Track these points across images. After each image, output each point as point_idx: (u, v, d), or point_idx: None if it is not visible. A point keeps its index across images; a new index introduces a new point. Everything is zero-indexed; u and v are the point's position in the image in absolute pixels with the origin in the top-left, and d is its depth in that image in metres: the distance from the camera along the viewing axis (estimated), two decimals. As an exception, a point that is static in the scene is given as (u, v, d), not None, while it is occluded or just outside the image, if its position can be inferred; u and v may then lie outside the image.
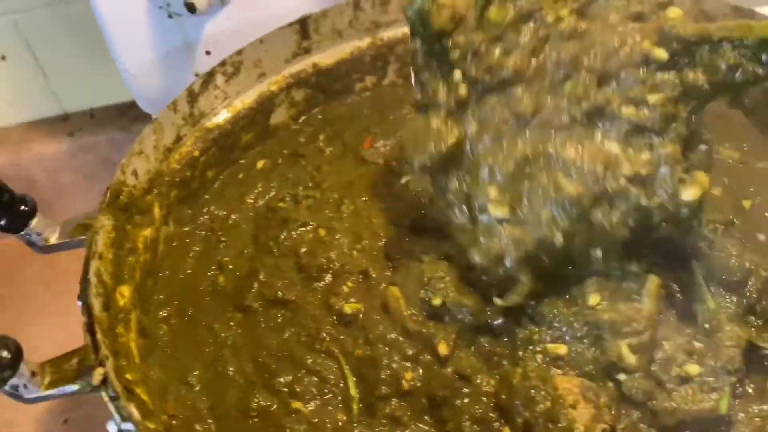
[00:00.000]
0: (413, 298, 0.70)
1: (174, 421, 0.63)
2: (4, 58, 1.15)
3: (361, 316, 0.72)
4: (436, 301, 0.68)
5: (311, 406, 0.67)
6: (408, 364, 0.67)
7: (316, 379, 0.68)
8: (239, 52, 0.89)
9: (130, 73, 0.99)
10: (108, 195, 0.72)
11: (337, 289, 0.74)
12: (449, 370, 0.65)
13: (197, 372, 0.70)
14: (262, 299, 0.75)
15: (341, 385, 0.68)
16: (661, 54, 0.61)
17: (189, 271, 0.80)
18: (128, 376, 0.62)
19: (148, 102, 1.04)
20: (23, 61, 1.16)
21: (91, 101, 1.25)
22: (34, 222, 0.68)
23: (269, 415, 0.67)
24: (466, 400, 0.64)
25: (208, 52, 0.99)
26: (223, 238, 0.83)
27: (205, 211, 0.86)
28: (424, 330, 0.68)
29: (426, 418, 0.66)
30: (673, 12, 0.63)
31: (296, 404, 0.66)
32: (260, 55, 0.91)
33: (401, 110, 0.97)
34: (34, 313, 1.15)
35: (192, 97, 0.86)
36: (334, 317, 0.72)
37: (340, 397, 0.67)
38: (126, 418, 0.54)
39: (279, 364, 0.70)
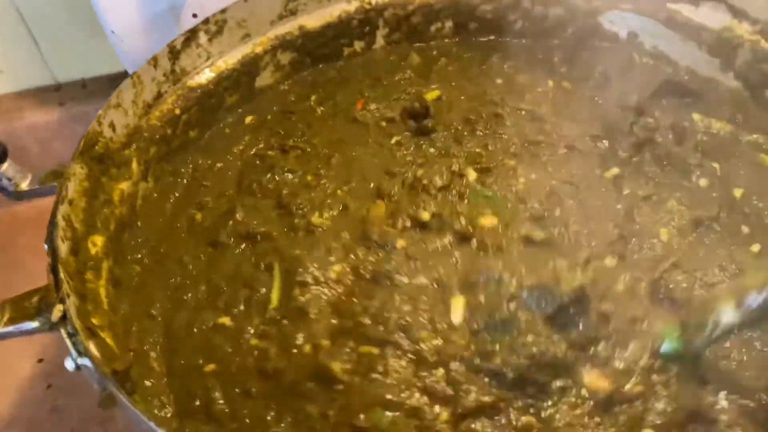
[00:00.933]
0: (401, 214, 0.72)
1: (132, 353, 0.63)
2: (-5, 25, 1.15)
3: (322, 230, 0.74)
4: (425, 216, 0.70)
5: (235, 319, 0.68)
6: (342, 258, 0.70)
7: (248, 291, 0.70)
8: (223, 11, 0.89)
9: (117, 35, 0.99)
10: (82, 144, 0.72)
11: (311, 216, 0.75)
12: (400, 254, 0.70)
13: (159, 304, 0.70)
14: (235, 235, 0.76)
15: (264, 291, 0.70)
16: None
17: (168, 215, 0.80)
18: (94, 320, 0.61)
19: (136, 65, 1.01)
20: (15, 30, 1.16)
21: (83, 71, 1.25)
22: (4, 167, 0.68)
23: (203, 333, 0.68)
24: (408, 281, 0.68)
25: (194, 15, 0.99)
26: (205, 183, 0.84)
27: (189, 160, 0.86)
28: (388, 229, 0.71)
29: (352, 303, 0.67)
30: None
31: (223, 320, 0.67)
32: (245, 15, 0.91)
33: (395, 76, 0.96)
34: (25, 280, 1.13)
35: (173, 53, 0.85)
36: (294, 233, 0.74)
37: (261, 304, 0.69)
38: (83, 353, 0.53)
39: (228, 284, 0.71)
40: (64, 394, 1.01)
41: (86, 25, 1.16)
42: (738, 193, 0.77)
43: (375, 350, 0.63)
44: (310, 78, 0.98)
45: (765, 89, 0.84)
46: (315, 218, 0.75)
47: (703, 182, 0.78)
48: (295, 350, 0.64)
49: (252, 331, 0.66)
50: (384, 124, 0.89)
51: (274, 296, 0.68)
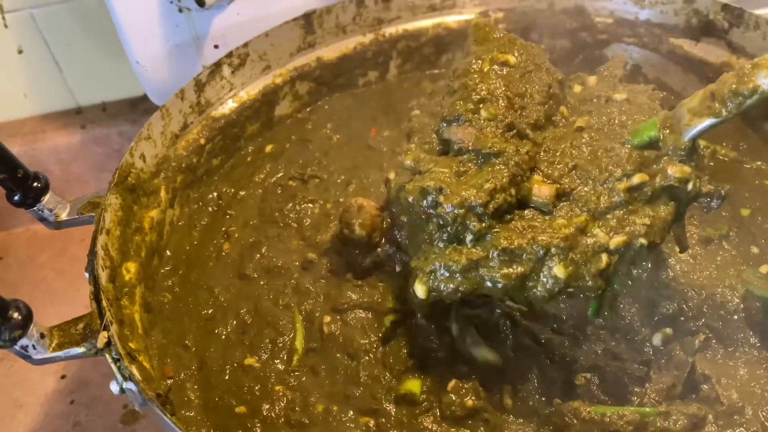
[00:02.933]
0: None
1: (171, 381, 0.66)
2: (21, 51, 1.19)
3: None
4: None
5: (261, 361, 0.71)
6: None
7: (273, 332, 0.73)
8: (245, 45, 0.93)
9: (141, 65, 1.03)
10: (116, 175, 0.75)
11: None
12: None
13: (192, 335, 0.74)
14: (261, 269, 0.79)
15: (291, 336, 0.73)
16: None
17: (195, 243, 0.84)
18: (131, 345, 0.65)
19: (158, 93, 1.07)
20: (39, 56, 1.20)
21: (103, 95, 1.29)
22: (46, 198, 0.71)
23: (234, 371, 0.71)
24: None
25: (216, 46, 1.03)
26: (229, 211, 0.88)
27: (213, 188, 0.90)
28: None
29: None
30: None
31: (250, 360, 0.71)
32: (265, 48, 0.95)
33: (408, 103, 1.00)
34: (45, 297, 1.19)
35: (199, 86, 0.89)
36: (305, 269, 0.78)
37: (286, 349, 0.72)
38: (128, 377, 0.57)
39: (254, 322, 0.74)
40: (86, 410, 1.04)
41: (107, 51, 1.20)
42: (746, 212, 0.81)
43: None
44: (327, 107, 1.02)
45: (763, 122, 0.88)
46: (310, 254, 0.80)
47: (713, 202, 0.81)
48: (311, 408, 0.67)
49: (277, 379, 0.69)
50: (397, 149, 0.92)
51: (299, 345, 0.72)
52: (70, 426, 1.03)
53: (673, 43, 0.94)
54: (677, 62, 0.95)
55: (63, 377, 1.08)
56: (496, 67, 0.68)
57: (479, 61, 0.69)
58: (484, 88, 0.66)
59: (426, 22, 1.03)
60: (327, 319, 0.71)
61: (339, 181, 0.90)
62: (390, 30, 1.02)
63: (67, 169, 1.28)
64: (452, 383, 0.65)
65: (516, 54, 0.69)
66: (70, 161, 1.28)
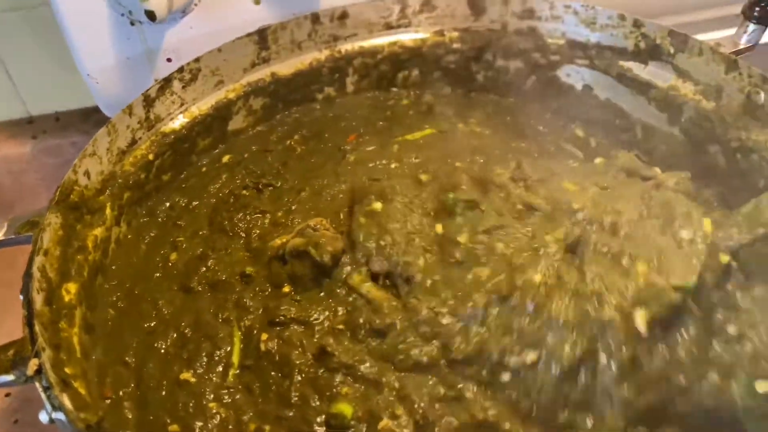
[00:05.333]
0: None
1: (108, 401, 0.65)
2: (-30, 60, 1.16)
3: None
4: None
5: (197, 375, 0.70)
6: None
7: (210, 346, 0.72)
8: (197, 60, 0.92)
9: (93, 78, 1.01)
10: (57, 193, 0.74)
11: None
12: None
13: (132, 350, 0.72)
14: (206, 282, 0.78)
15: (228, 350, 0.72)
16: None
17: (142, 255, 0.83)
18: (67, 370, 0.63)
19: (110, 107, 1.05)
20: (-11, 64, 1.17)
21: (56, 105, 1.26)
22: (-20, 218, 0.69)
23: (169, 387, 0.70)
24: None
25: (169, 60, 1.01)
26: (179, 222, 0.87)
27: (165, 198, 0.89)
28: None
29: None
30: None
31: (186, 375, 0.70)
32: (218, 63, 0.94)
33: (385, 113, 1.02)
34: (-10, 311, 1.15)
35: (148, 101, 0.88)
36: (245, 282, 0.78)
37: (223, 363, 0.71)
38: (57, 407, 0.56)
39: (193, 335, 0.73)
40: (31, 429, 1.01)
41: (59, 60, 1.18)
42: None
43: None
44: (296, 116, 1.02)
45: (707, 145, 0.90)
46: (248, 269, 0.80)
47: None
48: (243, 427, 0.66)
49: (211, 396, 0.68)
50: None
51: (235, 359, 0.71)
52: (13, 446, 1.00)
53: (623, 66, 0.96)
54: (627, 84, 0.96)
55: (8, 395, 1.05)
56: (370, 218, 0.78)
57: (358, 220, 0.79)
58: (374, 235, 0.77)
59: (382, 40, 1.03)
60: (264, 336, 0.71)
61: (292, 186, 0.90)
62: (346, 47, 1.02)
63: (18, 180, 1.25)
64: (384, 422, 0.64)
65: (381, 199, 0.80)
66: (20, 172, 1.24)
